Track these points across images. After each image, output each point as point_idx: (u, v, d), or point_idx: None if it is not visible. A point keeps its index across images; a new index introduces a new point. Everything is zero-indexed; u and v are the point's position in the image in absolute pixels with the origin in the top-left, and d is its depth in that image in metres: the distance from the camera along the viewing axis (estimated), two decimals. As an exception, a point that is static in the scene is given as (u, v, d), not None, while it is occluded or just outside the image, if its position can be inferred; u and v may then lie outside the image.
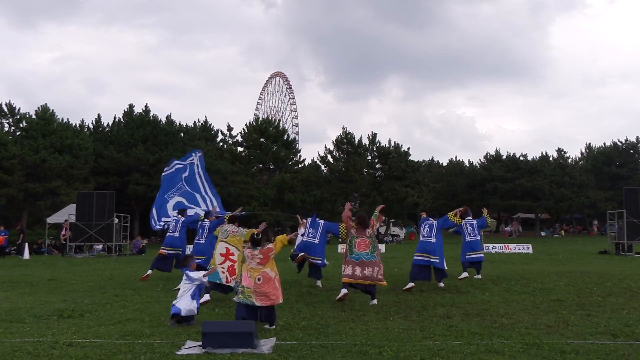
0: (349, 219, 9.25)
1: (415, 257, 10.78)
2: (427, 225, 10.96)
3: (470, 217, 12.52)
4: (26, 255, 23.37)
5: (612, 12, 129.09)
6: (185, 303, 7.15)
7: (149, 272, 12.33)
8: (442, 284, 10.91)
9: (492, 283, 11.32)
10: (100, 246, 25.32)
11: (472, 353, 5.52)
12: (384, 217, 10.41)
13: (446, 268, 11.17)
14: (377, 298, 8.82)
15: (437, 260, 10.63)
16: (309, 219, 11.26)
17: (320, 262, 10.97)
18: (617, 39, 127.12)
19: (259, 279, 6.98)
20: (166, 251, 12.40)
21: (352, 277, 8.69)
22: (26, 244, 24.64)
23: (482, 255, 12.39)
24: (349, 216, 9.32)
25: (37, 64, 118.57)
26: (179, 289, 7.55)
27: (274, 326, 6.94)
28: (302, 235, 11.14)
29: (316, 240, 10.91)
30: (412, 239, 38.65)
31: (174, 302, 7.22)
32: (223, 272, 8.92)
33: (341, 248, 25.30)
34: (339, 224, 10.76)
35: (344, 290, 8.66)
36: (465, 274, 11.70)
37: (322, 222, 11.16)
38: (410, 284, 10.27)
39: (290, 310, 8.24)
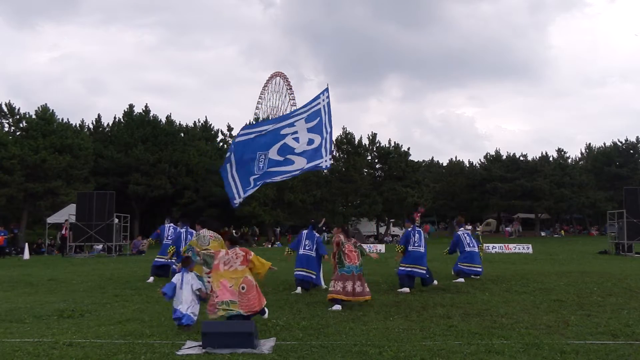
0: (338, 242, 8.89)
1: (402, 267, 10.47)
2: (417, 234, 10.70)
3: (463, 228, 12.53)
4: (26, 255, 23.38)
5: (613, 11, 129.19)
6: (194, 309, 7.02)
7: (151, 279, 12.48)
8: (435, 282, 10.96)
9: (492, 283, 11.31)
10: (100, 246, 25.33)
11: (472, 353, 5.52)
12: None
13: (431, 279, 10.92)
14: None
15: (423, 271, 10.47)
16: (305, 231, 10.98)
17: (315, 277, 10.63)
18: (618, 38, 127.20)
19: (242, 288, 6.81)
20: (160, 260, 12.80)
21: (342, 293, 8.36)
22: (26, 244, 24.69)
23: (480, 269, 12.08)
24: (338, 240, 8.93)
25: (36, 64, 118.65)
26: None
27: (266, 314, 6.98)
28: (301, 248, 10.80)
29: (313, 253, 10.71)
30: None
31: (182, 310, 6.88)
32: (208, 282, 8.79)
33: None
34: (326, 250, 10.70)
35: (338, 307, 8.27)
36: (461, 280, 11.60)
37: (317, 235, 11.01)
38: (406, 289, 10.22)
39: (290, 310, 8.23)
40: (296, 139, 10.23)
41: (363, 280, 8.67)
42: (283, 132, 10.27)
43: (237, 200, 10.33)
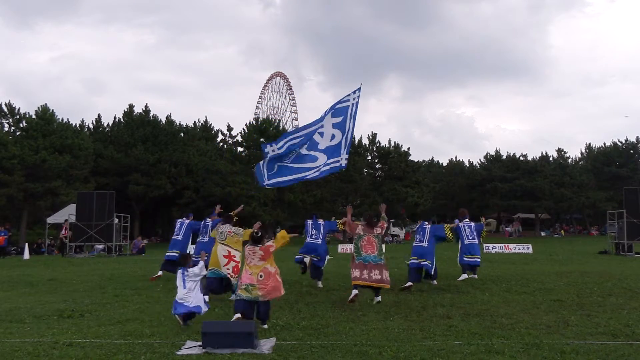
0: (351, 223, 9.31)
1: (411, 261, 10.95)
2: (421, 230, 11.25)
3: (467, 220, 12.58)
4: (26, 255, 23.38)
5: (613, 11, 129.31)
6: (199, 299, 7.22)
7: (160, 273, 12.51)
8: (435, 282, 11.11)
9: (492, 283, 11.32)
10: (100, 246, 25.32)
11: (472, 353, 5.52)
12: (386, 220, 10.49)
13: (434, 275, 11.24)
14: (380, 296, 8.80)
15: (428, 264, 10.82)
16: (310, 221, 11.38)
17: (322, 262, 11.06)
18: (618, 38, 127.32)
19: (261, 276, 7.12)
20: (169, 254, 12.67)
21: (360, 279, 8.65)
22: (26, 244, 24.68)
23: (479, 260, 12.25)
24: (350, 222, 9.38)
25: (35, 64, 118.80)
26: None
27: (266, 325, 7.00)
28: (308, 236, 11.29)
29: (319, 241, 11.11)
30: (409, 239, 38.61)
31: (183, 302, 7.08)
32: (228, 272, 9.13)
33: (341, 248, 25.28)
34: (337, 221, 11.25)
35: (355, 291, 8.64)
36: (464, 276, 11.70)
37: (322, 222, 11.36)
38: (409, 283, 10.34)
39: (290, 310, 8.24)
40: (321, 134, 10.33)
41: (383, 269, 8.77)
42: (312, 128, 10.41)
43: (265, 182, 10.42)
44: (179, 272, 7.43)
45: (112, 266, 17.69)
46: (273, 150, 10.33)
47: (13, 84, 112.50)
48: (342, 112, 10.33)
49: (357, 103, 10.32)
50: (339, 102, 10.47)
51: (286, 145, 10.38)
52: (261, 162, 10.48)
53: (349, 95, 10.42)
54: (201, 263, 7.46)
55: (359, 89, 10.43)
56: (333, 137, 10.27)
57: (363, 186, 42.54)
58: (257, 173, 10.54)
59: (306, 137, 10.42)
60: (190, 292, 7.21)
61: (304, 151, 10.30)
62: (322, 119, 10.40)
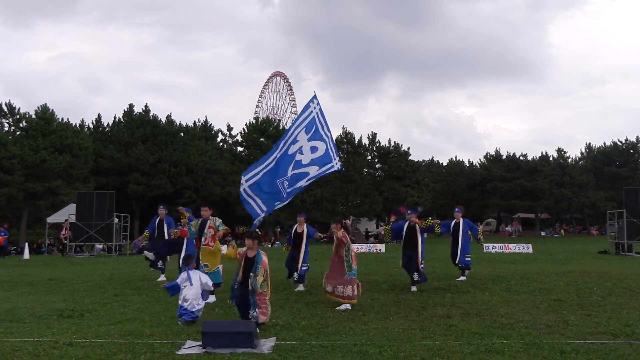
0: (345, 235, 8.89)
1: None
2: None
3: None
4: (26, 255, 23.38)
5: (613, 10, 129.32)
6: (200, 305, 7.36)
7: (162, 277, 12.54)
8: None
9: (492, 283, 11.31)
10: (100, 246, 25.32)
11: (472, 353, 5.52)
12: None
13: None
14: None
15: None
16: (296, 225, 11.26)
17: (306, 268, 10.97)
18: (618, 37, 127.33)
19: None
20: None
21: (352, 297, 8.39)
22: (26, 244, 24.68)
23: (470, 259, 12.24)
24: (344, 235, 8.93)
25: (34, 64, 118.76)
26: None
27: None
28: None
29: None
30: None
31: (186, 306, 7.22)
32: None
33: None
34: (316, 231, 11.39)
35: (348, 306, 8.36)
36: (463, 277, 11.72)
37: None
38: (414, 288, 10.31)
39: (290, 310, 8.24)
40: (301, 152, 10.44)
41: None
42: (290, 151, 10.51)
43: (261, 216, 10.46)
44: (185, 272, 7.52)
45: (112, 266, 17.69)
46: (247, 180, 10.38)
47: (11, 83, 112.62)
48: (312, 124, 10.51)
49: (320, 110, 10.57)
50: (302, 116, 10.58)
51: (258, 177, 10.38)
52: (247, 199, 10.40)
53: (308, 106, 10.61)
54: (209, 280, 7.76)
55: (314, 97, 10.69)
56: (315, 149, 10.47)
57: (363, 186, 42.53)
58: (249, 210, 10.39)
59: (286, 160, 10.47)
60: (195, 296, 7.32)
61: (290, 172, 10.37)
62: (295, 140, 10.49)
